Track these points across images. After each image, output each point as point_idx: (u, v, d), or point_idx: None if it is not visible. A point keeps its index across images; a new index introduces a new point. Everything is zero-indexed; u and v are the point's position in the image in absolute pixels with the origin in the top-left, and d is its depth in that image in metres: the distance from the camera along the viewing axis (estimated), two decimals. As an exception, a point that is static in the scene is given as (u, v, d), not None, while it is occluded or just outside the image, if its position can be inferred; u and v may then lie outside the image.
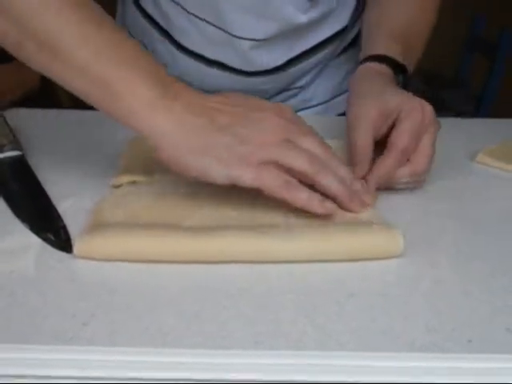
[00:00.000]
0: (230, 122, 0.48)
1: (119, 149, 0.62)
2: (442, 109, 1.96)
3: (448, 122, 0.81)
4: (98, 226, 0.47)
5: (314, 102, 0.90)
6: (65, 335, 0.37)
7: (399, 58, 0.68)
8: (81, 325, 0.38)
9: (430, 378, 0.35)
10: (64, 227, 0.49)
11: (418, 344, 0.37)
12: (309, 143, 0.49)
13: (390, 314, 0.41)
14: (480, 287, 0.44)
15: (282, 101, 0.89)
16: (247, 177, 0.47)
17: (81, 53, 0.47)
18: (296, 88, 0.88)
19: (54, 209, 0.52)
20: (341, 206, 0.50)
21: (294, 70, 0.83)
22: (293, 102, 0.89)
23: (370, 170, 0.56)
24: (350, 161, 0.58)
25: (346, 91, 0.83)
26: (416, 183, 0.59)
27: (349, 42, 0.89)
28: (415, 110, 0.57)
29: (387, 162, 0.56)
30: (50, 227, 0.49)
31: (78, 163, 0.63)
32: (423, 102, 0.58)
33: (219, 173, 0.47)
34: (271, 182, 0.47)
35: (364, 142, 0.57)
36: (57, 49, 0.47)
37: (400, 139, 0.56)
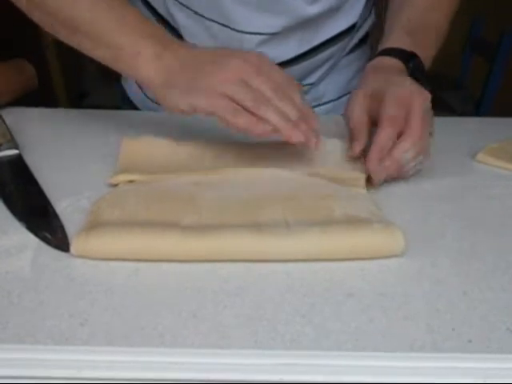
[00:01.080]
0: (200, 63, 0.57)
1: (116, 148, 0.62)
2: (443, 109, 1.96)
3: (449, 121, 0.81)
4: (95, 224, 0.47)
5: (326, 99, 0.90)
6: (61, 336, 0.37)
7: (407, 47, 0.69)
8: (77, 325, 0.38)
9: (429, 378, 0.35)
10: (61, 226, 0.49)
11: (418, 344, 0.37)
12: (260, 83, 0.55)
13: (389, 313, 0.40)
14: (480, 286, 0.44)
15: None
16: (202, 103, 0.55)
17: (98, 27, 0.60)
18: (307, 85, 0.87)
19: (51, 208, 0.52)
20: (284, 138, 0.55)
21: (303, 66, 0.83)
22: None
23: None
24: (349, 139, 0.62)
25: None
26: (421, 164, 0.60)
27: (359, 40, 0.89)
28: (400, 88, 0.60)
29: (380, 133, 0.58)
30: (47, 226, 0.49)
31: (75, 162, 0.63)
32: (412, 85, 0.61)
33: (183, 100, 0.56)
34: (221, 108, 0.55)
35: (358, 116, 0.61)
36: (81, 29, 0.60)
37: (386, 108, 0.59)
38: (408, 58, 0.68)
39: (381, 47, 0.71)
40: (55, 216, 0.51)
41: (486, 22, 2.35)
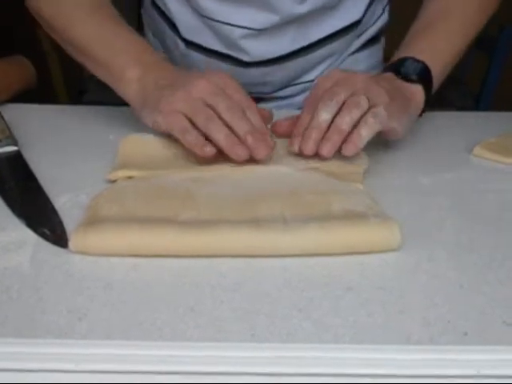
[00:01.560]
0: (169, 84, 0.61)
1: (115, 144, 0.62)
2: (442, 105, 1.96)
3: (446, 116, 0.81)
4: (93, 220, 0.47)
5: None
6: (60, 331, 0.37)
7: (403, 54, 0.68)
8: (76, 320, 0.38)
9: (424, 369, 0.35)
10: (60, 222, 0.49)
11: (415, 338, 0.37)
12: (217, 102, 0.58)
13: (387, 307, 0.40)
14: (477, 280, 0.44)
15: (293, 94, 0.88)
16: (161, 121, 0.60)
17: (94, 48, 0.68)
18: (306, 82, 0.87)
19: (50, 204, 0.52)
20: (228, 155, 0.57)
21: (298, 62, 0.82)
22: (304, 96, 0.89)
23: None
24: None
25: None
26: (366, 125, 0.58)
27: (369, 39, 0.88)
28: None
29: (300, 115, 0.61)
30: (46, 222, 0.49)
31: (74, 159, 0.63)
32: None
33: (150, 118, 0.62)
34: (174, 126, 0.58)
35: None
36: (82, 50, 0.69)
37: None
38: (399, 66, 0.67)
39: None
40: (54, 212, 0.51)
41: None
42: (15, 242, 0.47)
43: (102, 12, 0.70)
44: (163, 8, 0.83)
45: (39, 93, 0.97)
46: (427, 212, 0.54)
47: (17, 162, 0.60)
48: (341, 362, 0.35)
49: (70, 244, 0.46)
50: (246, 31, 0.76)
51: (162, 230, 0.46)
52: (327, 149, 0.56)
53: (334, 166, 0.59)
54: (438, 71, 0.69)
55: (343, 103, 0.58)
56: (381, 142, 0.67)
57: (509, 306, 0.41)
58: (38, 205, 0.52)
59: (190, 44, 0.82)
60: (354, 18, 0.82)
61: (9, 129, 0.64)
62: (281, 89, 0.87)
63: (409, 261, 0.46)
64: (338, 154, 0.62)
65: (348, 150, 0.57)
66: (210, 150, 0.56)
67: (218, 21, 0.77)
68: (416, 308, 0.40)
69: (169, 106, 0.59)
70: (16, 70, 0.94)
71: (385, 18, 0.89)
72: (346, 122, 0.56)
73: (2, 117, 0.66)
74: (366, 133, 0.57)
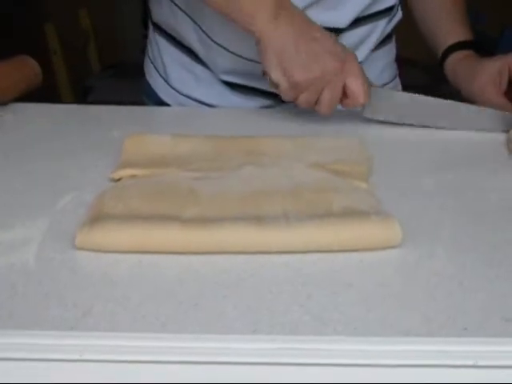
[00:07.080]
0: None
1: (119, 143, 0.63)
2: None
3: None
4: (98, 218, 0.48)
5: None
6: (65, 325, 0.38)
7: (469, 37, 0.84)
8: (81, 315, 0.39)
9: (422, 361, 0.36)
10: None
11: (414, 333, 0.38)
12: None
13: (386, 303, 0.41)
14: (477, 276, 0.44)
15: None
16: None
17: None
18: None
19: None
20: None
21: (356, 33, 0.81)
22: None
23: None
24: None
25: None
26: None
27: (386, 36, 0.88)
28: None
29: None
30: None
31: (78, 157, 0.63)
32: None
33: None
34: None
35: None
36: None
37: None
38: (469, 46, 0.83)
39: (447, 43, 0.85)
40: None
41: (488, 18, 2.34)
42: (20, 239, 0.48)
43: None
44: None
45: (45, 92, 0.98)
46: (428, 210, 0.54)
47: None
48: (340, 353, 0.36)
49: (76, 241, 0.46)
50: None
51: (166, 227, 0.46)
52: None
53: (339, 164, 0.59)
54: None
55: None
56: (383, 142, 0.68)
57: (508, 303, 0.41)
58: None
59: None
60: (390, 4, 0.83)
61: None
62: None
63: (409, 258, 0.47)
64: (343, 152, 0.62)
65: None
66: None
67: None
68: (416, 304, 0.41)
69: None
70: (21, 69, 0.94)
71: (399, 15, 0.89)
72: None
73: None
74: None
